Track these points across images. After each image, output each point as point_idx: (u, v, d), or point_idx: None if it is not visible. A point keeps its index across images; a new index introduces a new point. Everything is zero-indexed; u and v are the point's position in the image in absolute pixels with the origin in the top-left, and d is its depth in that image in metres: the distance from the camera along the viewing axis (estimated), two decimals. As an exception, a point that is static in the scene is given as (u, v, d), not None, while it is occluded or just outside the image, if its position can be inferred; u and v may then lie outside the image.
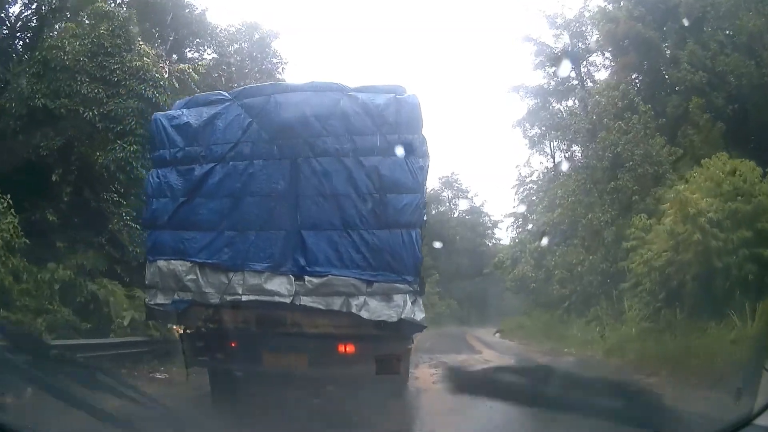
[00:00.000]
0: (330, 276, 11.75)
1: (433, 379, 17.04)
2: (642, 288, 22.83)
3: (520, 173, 55.93)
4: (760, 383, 4.26)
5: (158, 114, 14.20)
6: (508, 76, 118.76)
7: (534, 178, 54.12)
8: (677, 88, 30.91)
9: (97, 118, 20.70)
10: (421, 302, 12.08)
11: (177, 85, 23.80)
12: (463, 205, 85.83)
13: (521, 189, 54.82)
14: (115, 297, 19.75)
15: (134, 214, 21.96)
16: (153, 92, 21.04)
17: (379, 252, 11.77)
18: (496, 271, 54.30)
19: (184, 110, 13.68)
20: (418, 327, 12.08)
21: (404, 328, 11.97)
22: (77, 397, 5.68)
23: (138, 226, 20.82)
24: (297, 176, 12.26)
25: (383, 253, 11.76)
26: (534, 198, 48.56)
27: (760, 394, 4.18)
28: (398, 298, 11.67)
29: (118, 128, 20.82)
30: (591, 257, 30.48)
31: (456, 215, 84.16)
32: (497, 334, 45.99)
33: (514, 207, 56.18)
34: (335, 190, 12.10)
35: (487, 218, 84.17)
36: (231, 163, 12.70)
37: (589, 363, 22.67)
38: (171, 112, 14.12)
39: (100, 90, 20.96)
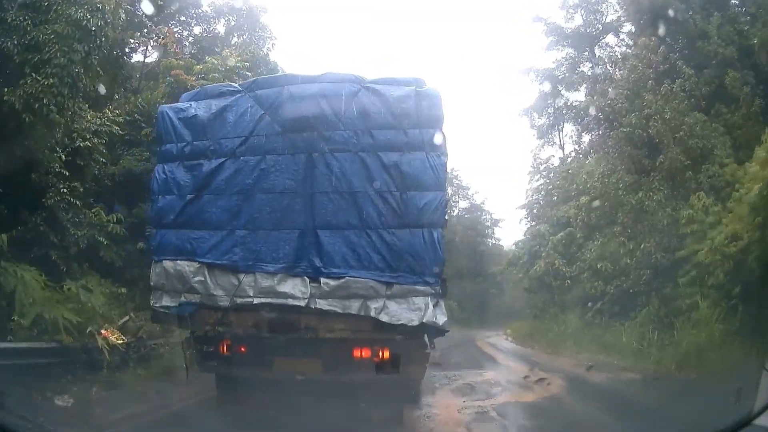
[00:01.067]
0: (347, 278, 11.04)
1: (464, 415, 13.70)
2: (711, 281, 18.28)
3: (534, 159, 49.03)
4: (760, 383, 4.20)
5: (164, 106, 13.38)
6: (512, 64, 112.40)
7: (553, 163, 47.14)
8: (710, 63, 26.43)
9: (16, 50, 15.82)
10: (443, 305, 11.29)
11: (124, 17, 19.12)
12: (462, 203, 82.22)
13: (536, 177, 45.97)
14: (25, 288, 14.45)
15: (79, 186, 18.36)
16: (85, 14, 15.87)
17: (399, 252, 11.08)
18: (508, 270, 49.32)
19: (192, 102, 12.85)
20: (441, 331, 11.30)
21: (426, 333, 11.26)
22: None
23: (79, 203, 18.09)
24: (312, 172, 11.54)
25: (404, 253, 11.07)
26: (551, 187, 40.25)
27: (760, 394, 4.12)
28: (419, 301, 10.97)
29: (36, 58, 15.76)
30: (643, 245, 23.61)
31: (455, 213, 78.88)
32: (508, 339, 43.54)
33: (527, 197, 47.37)
34: (353, 187, 11.39)
35: (488, 216, 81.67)
36: (242, 158, 11.94)
37: (669, 380, 17.37)
38: (178, 105, 13.26)
39: (27, 17, 16.04)
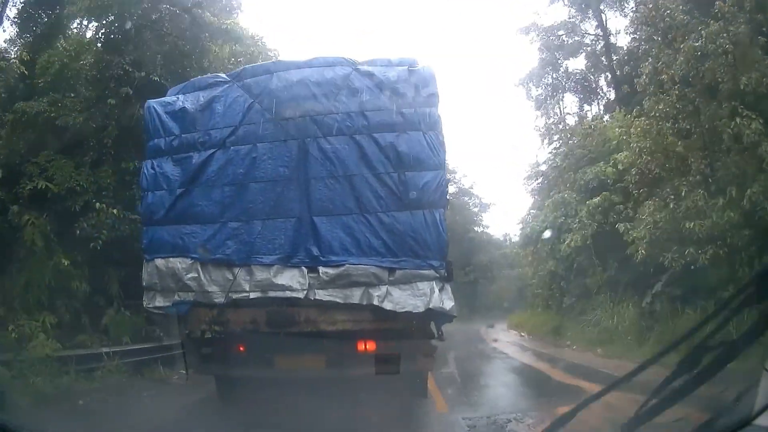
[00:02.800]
0: (347, 265, 10.20)
1: None
2: None
3: (548, 119, 41.93)
4: (760, 383, 3.91)
5: (151, 101, 12.52)
6: (511, 24, 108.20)
7: (568, 124, 39.32)
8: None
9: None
10: (449, 289, 10.46)
11: None
12: (449, 187, 76.40)
13: (549, 141, 36.29)
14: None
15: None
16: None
17: (400, 236, 10.25)
18: (516, 253, 42.54)
19: (180, 96, 12.12)
20: (448, 317, 10.50)
21: (432, 319, 10.47)
22: None
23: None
24: (305, 158, 10.75)
25: (405, 236, 10.24)
26: (573, 149, 29.95)
27: (760, 394, 3.85)
28: (424, 286, 10.14)
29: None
30: (749, 192, 15.50)
31: None
32: (524, 336, 35.89)
33: (541, 163, 38.85)
34: (348, 171, 10.60)
35: (477, 201, 75.87)
36: (232, 148, 11.15)
37: None
38: (165, 99, 12.50)
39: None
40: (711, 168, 17.48)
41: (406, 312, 10.03)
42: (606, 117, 30.70)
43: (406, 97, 10.88)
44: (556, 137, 34.31)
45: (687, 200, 17.24)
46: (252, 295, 10.48)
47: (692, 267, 16.64)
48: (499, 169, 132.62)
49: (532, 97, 47.10)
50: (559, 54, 43.98)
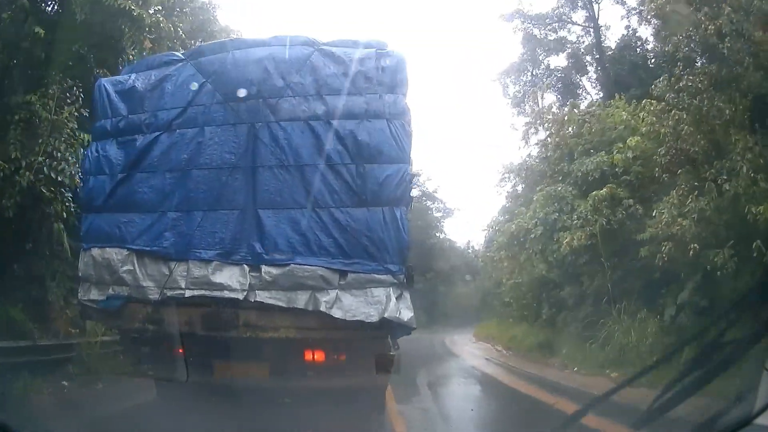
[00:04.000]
0: (292, 265, 8.80)
1: None
2: None
3: (533, 110, 34.26)
4: (760, 383, 3.84)
5: (103, 79, 11.27)
6: (494, 9, 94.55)
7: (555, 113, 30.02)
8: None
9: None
10: (408, 297, 9.05)
11: None
12: (413, 191, 72.77)
13: (535, 130, 29.46)
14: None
15: None
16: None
17: (354, 235, 8.86)
18: (495, 255, 32.31)
19: (132, 74, 10.81)
20: (406, 328, 9.13)
21: (387, 330, 9.01)
22: None
23: None
24: (255, 144, 9.41)
25: (360, 236, 8.85)
26: (556, 139, 24.93)
27: (760, 394, 3.79)
28: (379, 293, 8.73)
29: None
30: None
31: None
32: (503, 351, 29.02)
33: (524, 157, 32.85)
34: (301, 160, 9.23)
35: (440, 206, 71.11)
36: (178, 131, 9.83)
37: None
38: (117, 77, 11.27)
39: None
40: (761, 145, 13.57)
41: (357, 321, 8.59)
42: (595, 107, 24.77)
43: (372, 81, 9.52)
44: (544, 126, 29.75)
45: (741, 180, 13.12)
46: (188, 294, 9.12)
47: (719, 272, 13.10)
48: (464, 173, 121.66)
49: (509, 95, 42.76)
50: (541, 50, 40.47)
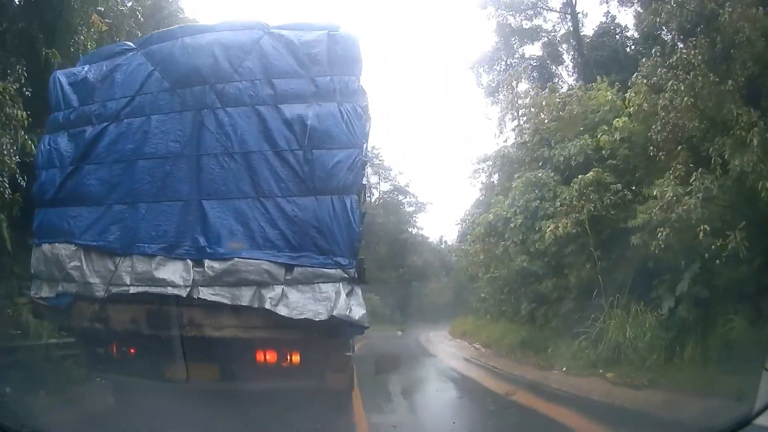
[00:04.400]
0: (236, 259, 8.15)
1: None
2: None
3: (507, 96, 29.75)
4: (760, 383, 3.88)
5: (58, 72, 10.73)
6: (455, 17, 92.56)
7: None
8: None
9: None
10: (360, 294, 8.35)
11: None
12: (384, 185, 69.18)
13: (520, 112, 26.96)
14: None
15: None
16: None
17: (301, 226, 8.18)
18: (471, 247, 28.56)
19: (86, 66, 10.31)
20: (357, 327, 8.36)
21: (337, 329, 8.26)
22: None
23: None
24: (200, 131, 8.81)
25: (307, 227, 8.17)
26: (535, 124, 22.77)
27: (760, 394, 3.82)
28: (328, 288, 8.05)
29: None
30: None
31: (377, 196, 66.85)
32: (481, 349, 26.93)
33: (501, 145, 29.87)
34: (246, 147, 8.60)
35: (412, 200, 69.18)
36: (125, 121, 9.28)
37: None
38: (72, 69, 10.72)
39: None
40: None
41: (305, 319, 7.91)
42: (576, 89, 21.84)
43: (322, 64, 8.88)
44: (519, 112, 28.19)
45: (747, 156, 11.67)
46: (132, 290, 8.54)
47: (719, 260, 11.95)
48: (437, 167, 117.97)
49: (483, 84, 40.46)
50: (515, 39, 38.40)
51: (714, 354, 11.64)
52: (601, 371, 14.18)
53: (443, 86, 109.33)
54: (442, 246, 64.04)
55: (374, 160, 64.08)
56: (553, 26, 36.61)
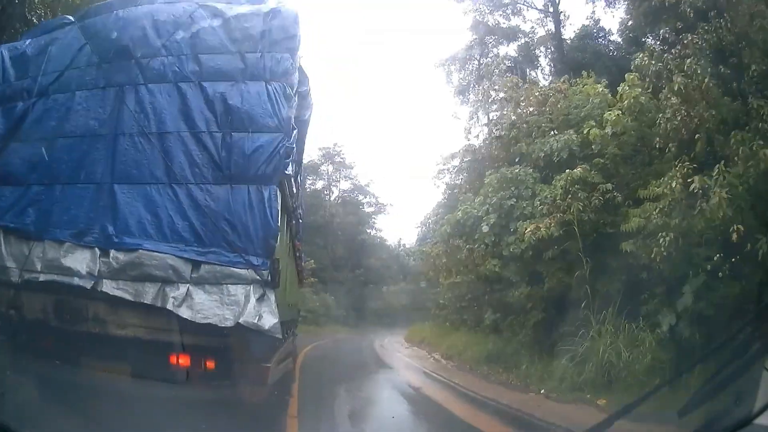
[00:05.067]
0: (140, 251, 7.23)
1: None
2: None
3: (477, 96, 29.53)
4: (760, 383, 3.73)
5: (3, 46, 9.97)
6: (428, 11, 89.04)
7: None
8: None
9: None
10: (273, 300, 7.18)
11: None
12: (344, 183, 65.71)
13: (494, 107, 25.66)
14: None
15: None
16: None
17: (213, 218, 7.21)
18: (433, 249, 25.06)
19: (28, 40, 9.56)
20: (267, 339, 7.21)
21: (245, 338, 7.16)
22: None
23: None
24: (119, 109, 7.92)
25: (219, 219, 7.18)
26: (513, 118, 19.99)
27: (760, 394, 3.69)
28: (237, 291, 7.04)
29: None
30: None
31: (336, 194, 65.18)
32: (440, 358, 24.01)
33: (471, 138, 28.41)
34: (163, 127, 7.69)
35: (372, 200, 65.67)
36: (52, 96, 8.48)
37: None
38: (15, 43, 9.97)
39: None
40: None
41: (209, 325, 6.94)
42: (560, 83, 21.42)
43: (254, 39, 7.95)
44: (495, 106, 26.59)
45: None
46: (42, 278, 7.68)
47: (719, 274, 10.71)
48: (399, 168, 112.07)
49: (452, 83, 37.89)
50: (491, 38, 35.28)
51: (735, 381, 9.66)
52: (588, 396, 12.02)
53: (411, 83, 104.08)
54: (401, 249, 62.47)
55: (335, 157, 63.00)
56: (532, 27, 33.96)
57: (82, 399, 7.44)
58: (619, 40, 25.40)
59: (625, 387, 11.37)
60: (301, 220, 13.19)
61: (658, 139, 12.81)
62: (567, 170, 14.74)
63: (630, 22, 21.07)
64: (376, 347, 31.01)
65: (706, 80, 11.62)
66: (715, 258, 10.56)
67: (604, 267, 13.87)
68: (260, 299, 7.02)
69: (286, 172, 7.84)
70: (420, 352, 28.32)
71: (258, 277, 7.05)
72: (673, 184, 11.32)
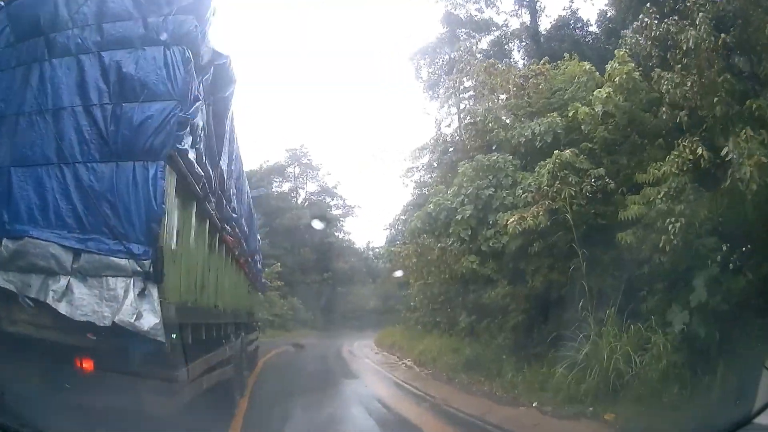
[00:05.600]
0: (26, 239, 6.28)
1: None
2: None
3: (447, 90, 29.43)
4: (760, 383, 3.78)
5: None
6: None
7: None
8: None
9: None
10: (155, 296, 6.11)
11: None
12: (311, 185, 64.74)
13: (467, 94, 24.93)
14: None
15: None
16: None
17: (96, 200, 6.22)
18: (402, 250, 25.82)
19: None
20: (148, 342, 6.07)
21: (123, 340, 6.11)
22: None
23: None
24: (24, 88, 7.07)
25: (102, 202, 6.21)
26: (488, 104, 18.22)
27: (760, 394, 3.71)
28: (117, 285, 6.01)
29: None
30: None
31: (303, 197, 64.20)
32: (412, 365, 21.63)
33: (441, 128, 28.77)
34: (59, 103, 6.76)
35: (340, 202, 65.05)
36: None
37: None
38: None
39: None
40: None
41: (88, 323, 5.94)
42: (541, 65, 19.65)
43: (159, 2, 7.03)
44: (467, 95, 23.17)
45: None
46: None
47: (730, 266, 9.32)
48: (367, 170, 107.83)
49: (422, 77, 36.55)
50: (463, 31, 33.62)
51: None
52: (591, 409, 10.11)
53: (378, 79, 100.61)
54: (370, 251, 61.71)
55: (302, 158, 62.86)
56: (506, 19, 32.42)
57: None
58: (598, 31, 24.03)
59: (636, 397, 9.66)
60: (235, 215, 12.07)
61: (664, 109, 11.18)
62: (556, 151, 13.02)
63: (609, 14, 19.80)
64: (344, 353, 29.23)
65: (717, 41, 10.24)
66: (724, 248, 9.26)
67: (598, 262, 12.30)
68: (141, 295, 6.01)
69: (179, 146, 6.69)
70: (391, 358, 26.09)
71: (139, 269, 6.03)
72: (680, 162, 10.09)
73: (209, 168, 8.27)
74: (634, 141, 12.45)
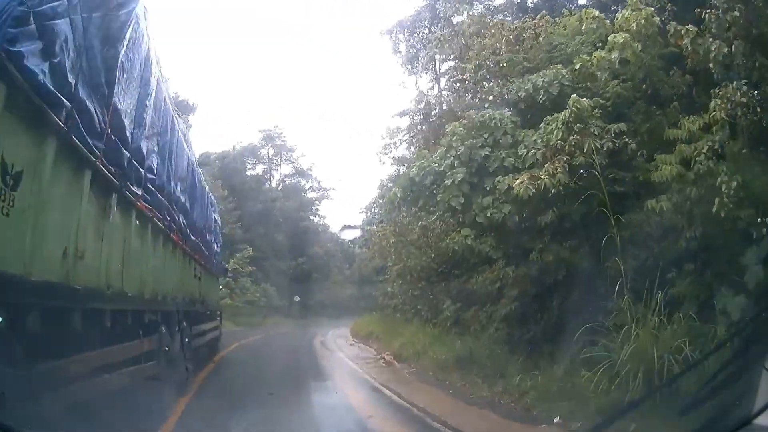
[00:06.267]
0: None
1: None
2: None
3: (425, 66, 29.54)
4: (760, 383, 3.52)
5: None
6: None
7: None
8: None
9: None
10: None
11: None
12: (285, 167, 63.02)
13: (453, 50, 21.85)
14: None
15: None
16: None
17: None
18: (381, 228, 24.96)
19: None
20: None
21: None
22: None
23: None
24: None
25: None
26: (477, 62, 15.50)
27: (760, 394, 3.47)
28: None
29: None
30: None
31: (277, 179, 62.69)
32: (393, 361, 18.34)
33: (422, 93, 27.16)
34: None
35: (316, 184, 63.32)
36: None
37: None
38: None
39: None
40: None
41: None
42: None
43: None
44: (453, 55, 20.51)
45: None
46: None
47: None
48: (343, 150, 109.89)
49: (400, 51, 35.05)
50: (444, 3, 30.51)
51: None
52: (633, 426, 7.03)
53: (355, 55, 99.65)
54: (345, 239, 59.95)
55: (276, 140, 60.73)
56: None
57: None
58: (588, 4, 21.90)
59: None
60: (153, 176, 9.45)
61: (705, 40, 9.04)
62: (573, 95, 10.65)
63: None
64: (317, 345, 26.32)
65: None
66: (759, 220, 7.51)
67: (629, 235, 9.93)
68: None
69: (10, 47, 4.94)
70: (368, 351, 23.04)
71: None
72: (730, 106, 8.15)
73: (84, 97, 6.31)
74: (650, 97, 10.89)
